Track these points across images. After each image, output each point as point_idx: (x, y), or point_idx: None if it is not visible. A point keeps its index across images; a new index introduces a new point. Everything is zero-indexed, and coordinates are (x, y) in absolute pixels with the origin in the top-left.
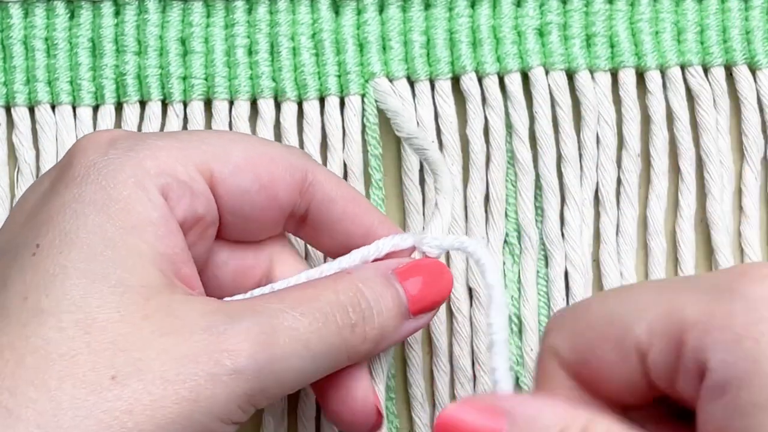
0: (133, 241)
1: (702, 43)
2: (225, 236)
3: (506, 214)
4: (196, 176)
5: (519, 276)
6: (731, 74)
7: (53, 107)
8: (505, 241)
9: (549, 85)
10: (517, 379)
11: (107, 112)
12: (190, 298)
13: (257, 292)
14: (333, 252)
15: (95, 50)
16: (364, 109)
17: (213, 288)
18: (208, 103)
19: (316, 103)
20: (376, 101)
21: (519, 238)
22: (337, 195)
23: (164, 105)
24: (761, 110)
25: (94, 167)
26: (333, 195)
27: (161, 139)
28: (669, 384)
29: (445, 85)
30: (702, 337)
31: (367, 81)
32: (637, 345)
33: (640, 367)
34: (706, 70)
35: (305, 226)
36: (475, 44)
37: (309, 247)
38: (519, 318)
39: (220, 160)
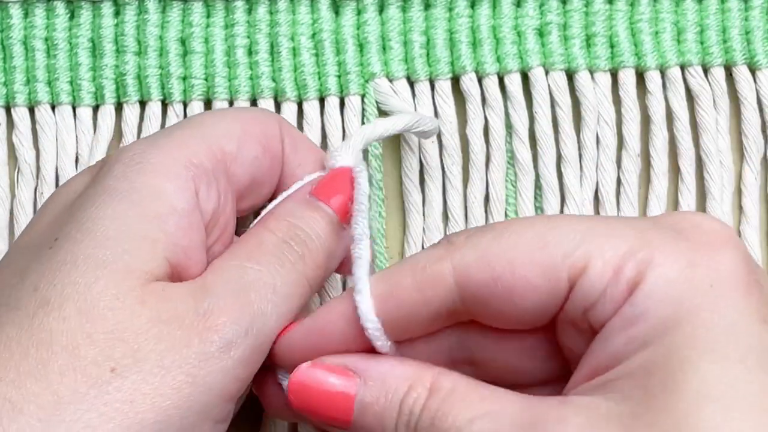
0: (151, 229)
1: (702, 43)
2: (243, 204)
3: (506, 215)
4: (217, 165)
5: None
6: (731, 74)
7: (53, 107)
8: None
9: (549, 85)
10: None
11: (107, 112)
12: (184, 283)
13: None
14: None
15: (95, 50)
16: (364, 110)
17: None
18: (208, 104)
19: (316, 104)
20: (376, 101)
21: None
22: (301, 144)
23: (164, 105)
24: (761, 110)
25: (120, 162)
26: (299, 144)
27: (182, 132)
28: (579, 313)
29: (444, 86)
30: (641, 268)
31: (367, 81)
32: (570, 268)
33: (563, 292)
34: (705, 71)
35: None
36: (475, 44)
37: None
38: None
39: (229, 138)
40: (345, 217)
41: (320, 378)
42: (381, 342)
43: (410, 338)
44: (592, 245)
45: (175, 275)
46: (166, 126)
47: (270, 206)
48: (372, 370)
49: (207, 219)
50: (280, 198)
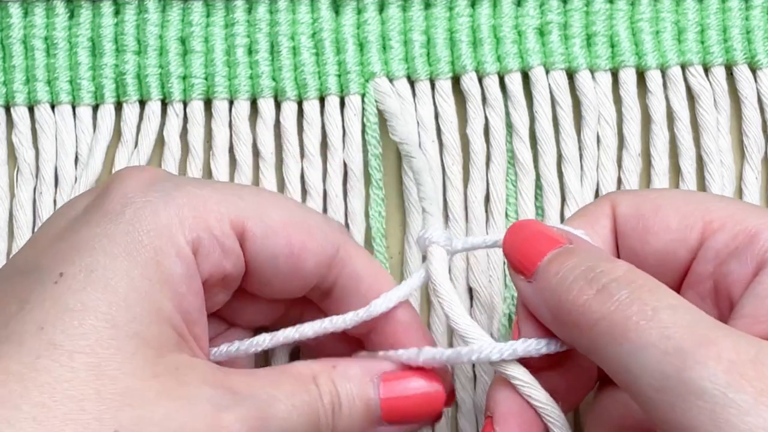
0: (156, 295)
1: (702, 42)
2: (244, 287)
3: (507, 214)
4: (228, 232)
5: None
6: (732, 74)
7: (53, 107)
8: None
9: (549, 84)
10: None
11: (107, 111)
12: (196, 363)
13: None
14: (355, 330)
15: (95, 50)
16: (364, 109)
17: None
18: (207, 103)
19: (316, 103)
20: (375, 101)
21: None
22: (365, 273)
23: (164, 104)
24: (762, 109)
25: (131, 206)
26: (361, 272)
27: (201, 188)
28: (711, 263)
29: (445, 85)
30: None
31: (367, 80)
32: (706, 224)
33: (695, 243)
34: (706, 70)
35: (329, 298)
36: (475, 44)
37: None
38: None
39: (255, 219)
40: (387, 418)
41: (541, 227)
42: None
43: None
44: (731, 212)
45: (182, 341)
46: (166, 125)
47: (344, 318)
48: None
49: (204, 279)
50: (360, 314)
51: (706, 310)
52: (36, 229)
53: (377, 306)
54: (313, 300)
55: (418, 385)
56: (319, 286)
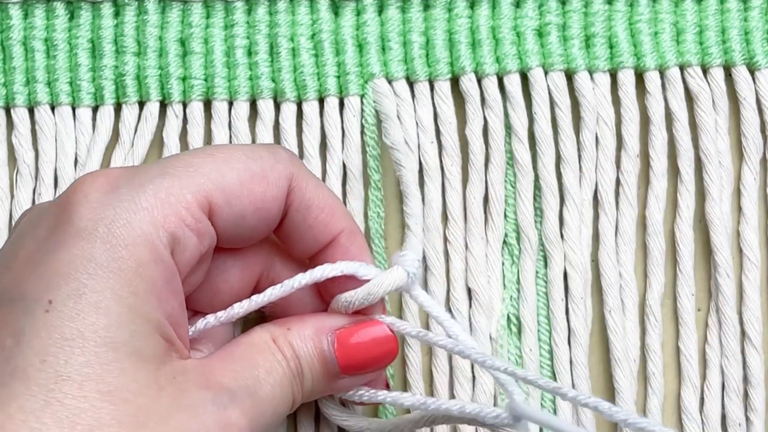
0: (144, 307)
1: (701, 43)
2: (221, 246)
3: (505, 215)
4: (199, 216)
5: (518, 276)
6: (730, 75)
7: (53, 108)
8: (504, 242)
9: (548, 85)
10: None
11: (106, 112)
12: (185, 367)
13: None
14: (300, 255)
15: (95, 51)
16: (363, 110)
17: (222, 292)
18: (207, 104)
19: (316, 104)
20: (374, 102)
21: (518, 238)
22: (314, 202)
23: (163, 106)
24: (760, 111)
25: (103, 221)
26: (310, 202)
27: (161, 180)
28: None
29: (444, 86)
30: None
31: (366, 82)
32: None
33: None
34: (705, 71)
35: (280, 229)
36: (474, 45)
37: None
38: (518, 318)
39: (217, 191)
40: (346, 371)
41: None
42: None
43: None
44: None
45: (170, 347)
46: (166, 126)
47: (291, 282)
48: None
49: (185, 273)
50: (306, 277)
51: None
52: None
53: (323, 272)
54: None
55: (367, 332)
56: None
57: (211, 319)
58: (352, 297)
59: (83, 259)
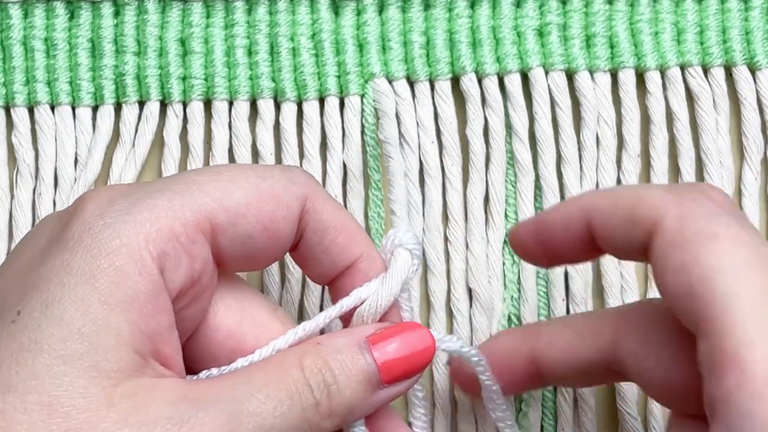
0: (114, 320)
1: (702, 43)
2: (225, 270)
3: (506, 215)
4: (196, 236)
5: (519, 276)
6: (731, 75)
7: (53, 108)
8: (505, 242)
9: (549, 85)
10: None
11: (106, 112)
12: (158, 383)
13: (235, 364)
14: (318, 279)
15: (95, 51)
16: (363, 110)
17: (212, 341)
18: (207, 104)
19: (316, 104)
20: (374, 101)
21: None
22: (330, 224)
23: (163, 105)
24: (761, 110)
25: (89, 232)
26: (326, 224)
27: (160, 196)
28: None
29: (444, 86)
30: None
31: (366, 81)
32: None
33: (583, 227)
34: (705, 71)
35: (296, 252)
36: (474, 45)
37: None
38: (519, 318)
39: (221, 210)
40: (387, 378)
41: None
42: None
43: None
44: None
45: (146, 363)
46: (166, 126)
47: (316, 320)
48: None
49: (175, 293)
50: (321, 315)
51: None
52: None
53: (347, 303)
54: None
55: (406, 338)
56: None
57: (214, 371)
58: (374, 301)
59: (60, 269)
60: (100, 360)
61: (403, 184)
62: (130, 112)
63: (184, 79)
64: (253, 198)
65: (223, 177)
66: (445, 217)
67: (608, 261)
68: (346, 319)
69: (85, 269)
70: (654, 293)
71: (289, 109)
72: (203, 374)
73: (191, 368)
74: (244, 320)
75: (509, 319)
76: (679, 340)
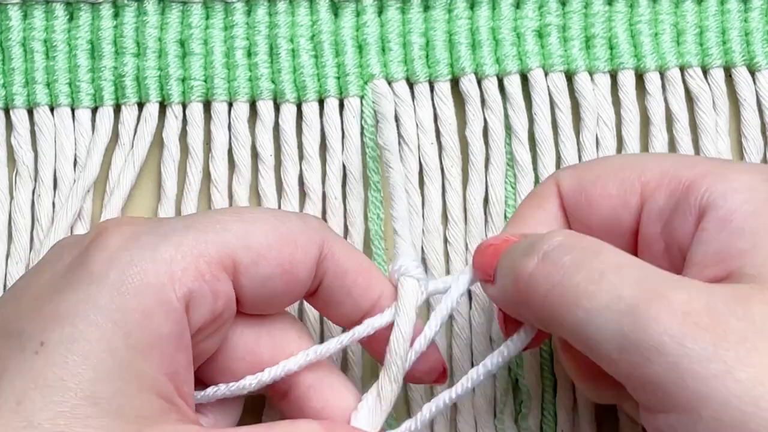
0: (138, 364)
1: (701, 44)
2: (242, 311)
3: (505, 216)
4: (220, 274)
5: None
6: (730, 76)
7: (52, 109)
8: None
9: (548, 86)
10: (517, 381)
11: (106, 114)
12: (180, 428)
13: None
14: (342, 322)
15: (94, 52)
16: (362, 111)
17: (231, 357)
18: (207, 105)
19: (316, 105)
20: (373, 102)
21: None
22: (350, 267)
23: (163, 107)
24: (760, 112)
25: (116, 266)
26: (346, 267)
27: (186, 233)
28: (657, 223)
29: (444, 87)
30: (710, 184)
31: (366, 83)
32: (644, 185)
33: (636, 206)
34: (705, 72)
35: (315, 297)
36: (474, 46)
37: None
38: None
39: (243, 249)
40: None
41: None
42: None
43: None
44: (665, 168)
45: (167, 407)
46: (165, 127)
47: (327, 345)
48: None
49: (195, 329)
50: (333, 341)
51: (665, 269)
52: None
53: (360, 331)
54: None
55: None
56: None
57: (222, 388)
58: (397, 335)
59: (86, 304)
60: (124, 404)
61: (404, 198)
62: (129, 113)
63: (183, 80)
64: (274, 240)
65: (245, 218)
66: (445, 218)
67: None
68: (368, 343)
69: (111, 307)
70: None
71: (288, 111)
72: (210, 390)
73: (209, 381)
74: (263, 337)
75: None
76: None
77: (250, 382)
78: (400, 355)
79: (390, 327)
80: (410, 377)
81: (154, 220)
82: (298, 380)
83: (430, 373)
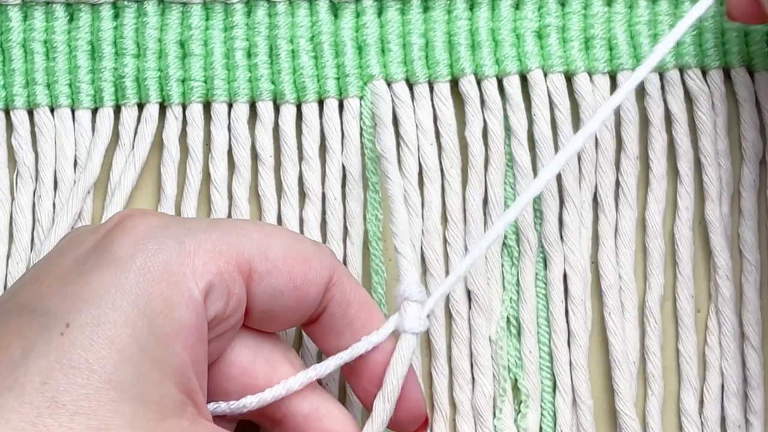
0: (162, 353)
1: (700, 45)
2: (247, 324)
3: None
4: (236, 277)
5: (518, 278)
6: (729, 76)
7: (52, 110)
8: (504, 244)
9: (548, 87)
10: (516, 381)
11: (106, 114)
12: (197, 426)
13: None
14: (333, 353)
15: (94, 53)
16: (361, 113)
17: (226, 375)
18: (207, 106)
19: (315, 106)
20: (371, 104)
21: (518, 240)
22: (354, 298)
23: (163, 108)
24: (759, 112)
25: (142, 253)
26: (350, 298)
27: (210, 231)
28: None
29: (443, 88)
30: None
31: (365, 83)
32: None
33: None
34: (704, 73)
35: (316, 324)
36: (473, 47)
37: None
38: (517, 320)
39: (261, 257)
40: None
41: None
42: None
43: None
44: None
45: (185, 400)
46: (165, 128)
47: (325, 364)
48: None
49: (210, 320)
50: (332, 360)
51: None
52: (39, 255)
53: (359, 348)
54: (301, 327)
55: None
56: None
57: (222, 405)
58: (396, 373)
59: (112, 287)
60: (147, 392)
61: (404, 211)
62: (129, 114)
63: (183, 81)
64: (290, 255)
65: (266, 230)
66: (444, 219)
67: (607, 262)
68: (355, 372)
69: (137, 292)
70: (652, 293)
71: (288, 111)
72: (210, 407)
73: None
74: (258, 358)
75: (508, 320)
76: None
77: (251, 401)
78: (398, 377)
79: (381, 354)
80: (392, 424)
81: (177, 217)
82: (293, 409)
83: (413, 422)
